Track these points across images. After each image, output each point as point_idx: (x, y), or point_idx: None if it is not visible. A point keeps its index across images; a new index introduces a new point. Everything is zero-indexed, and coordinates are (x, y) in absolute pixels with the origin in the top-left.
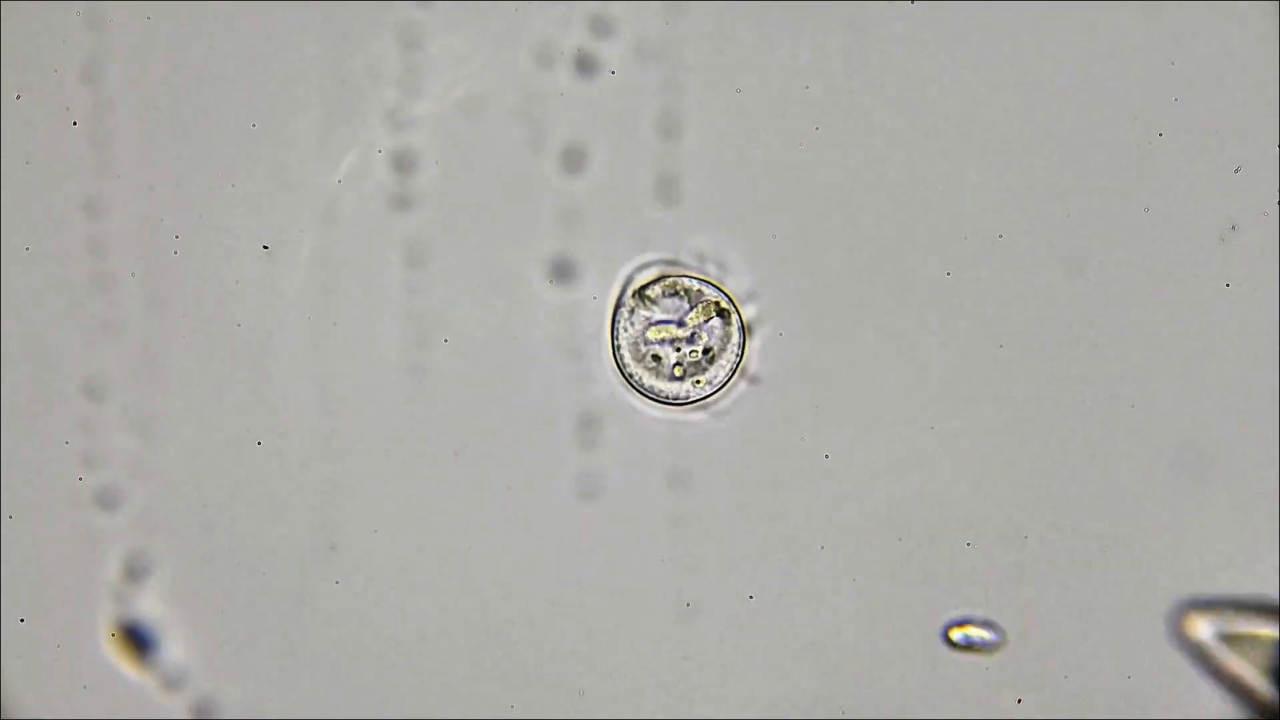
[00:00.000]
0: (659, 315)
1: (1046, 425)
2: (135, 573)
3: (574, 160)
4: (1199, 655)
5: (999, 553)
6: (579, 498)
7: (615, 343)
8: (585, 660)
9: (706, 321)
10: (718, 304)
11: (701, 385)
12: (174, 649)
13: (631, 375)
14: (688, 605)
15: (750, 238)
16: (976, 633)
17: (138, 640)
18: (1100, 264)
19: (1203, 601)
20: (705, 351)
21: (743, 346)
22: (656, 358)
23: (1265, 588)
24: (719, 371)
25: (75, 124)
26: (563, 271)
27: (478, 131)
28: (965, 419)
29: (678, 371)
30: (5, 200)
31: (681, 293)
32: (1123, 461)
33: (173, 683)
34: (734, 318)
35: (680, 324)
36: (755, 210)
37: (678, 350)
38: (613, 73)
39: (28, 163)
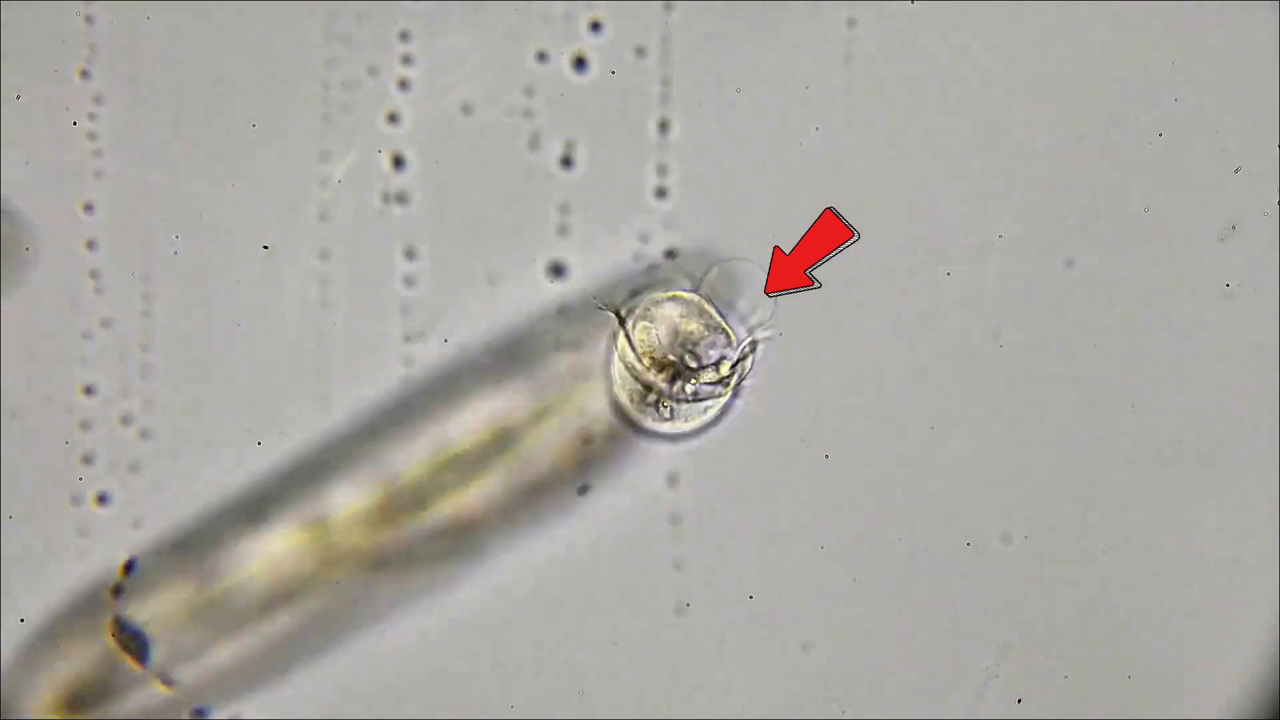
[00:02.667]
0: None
1: (1046, 425)
2: (134, 573)
3: (575, 159)
4: None
5: (998, 553)
6: (579, 495)
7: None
8: (585, 660)
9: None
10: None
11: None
12: (172, 650)
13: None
14: (687, 605)
15: (748, 235)
16: None
17: (137, 639)
18: (1100, 264)
19: None
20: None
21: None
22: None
23: (1264, 589)
24: (689, 414)
25: (75, 124)
26: (563, 270)
27: (478, 130)
28: (965, 419)
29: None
30: (5, 200)
31: (700, 344)
32: (1122, 461)
33: (171, 681)
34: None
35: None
36: (754, 208)
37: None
38: (613, 72)
39: (27, 163)
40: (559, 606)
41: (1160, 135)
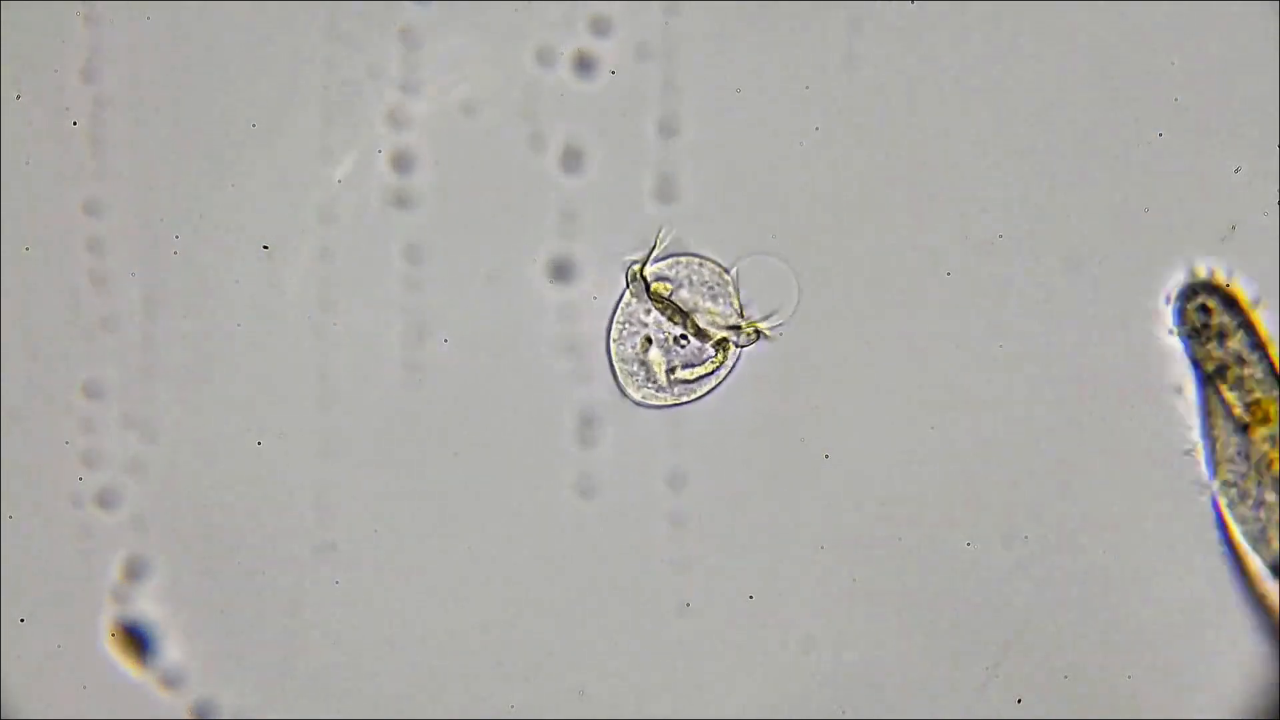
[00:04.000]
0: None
1: (1047, 426)
2: (134, 573)
3: (575, 160)
4: None
5: (999, 553)
6: (579, 496)
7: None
8: (585, 660)
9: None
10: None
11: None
12: (172, 650)
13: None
14: (688, 605)
15: (750, 236)
16: None
17: (138, 640)
18: (1101, 264)
19: None
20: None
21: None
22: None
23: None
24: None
25: (75, 124)
26: (564, 271)
27: (478, 131)
28: (965, 419)
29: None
30: (5, 200)
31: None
32: (1124, 460)
33: (172, 683)
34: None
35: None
36: (756, 208)
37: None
38: (613, 72)
39: (28, 163)
40: (560, 605)
41: (1160, 135)
